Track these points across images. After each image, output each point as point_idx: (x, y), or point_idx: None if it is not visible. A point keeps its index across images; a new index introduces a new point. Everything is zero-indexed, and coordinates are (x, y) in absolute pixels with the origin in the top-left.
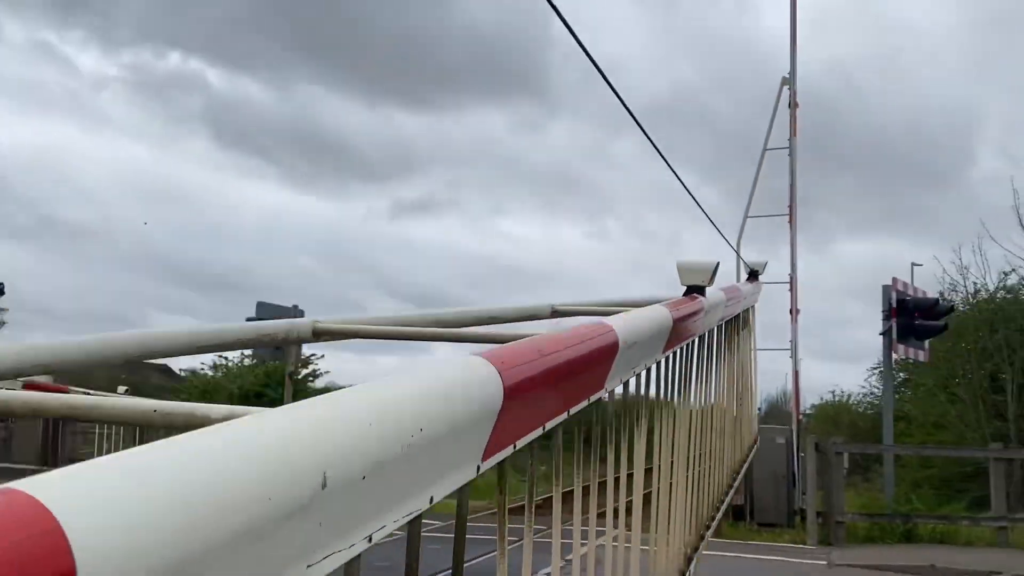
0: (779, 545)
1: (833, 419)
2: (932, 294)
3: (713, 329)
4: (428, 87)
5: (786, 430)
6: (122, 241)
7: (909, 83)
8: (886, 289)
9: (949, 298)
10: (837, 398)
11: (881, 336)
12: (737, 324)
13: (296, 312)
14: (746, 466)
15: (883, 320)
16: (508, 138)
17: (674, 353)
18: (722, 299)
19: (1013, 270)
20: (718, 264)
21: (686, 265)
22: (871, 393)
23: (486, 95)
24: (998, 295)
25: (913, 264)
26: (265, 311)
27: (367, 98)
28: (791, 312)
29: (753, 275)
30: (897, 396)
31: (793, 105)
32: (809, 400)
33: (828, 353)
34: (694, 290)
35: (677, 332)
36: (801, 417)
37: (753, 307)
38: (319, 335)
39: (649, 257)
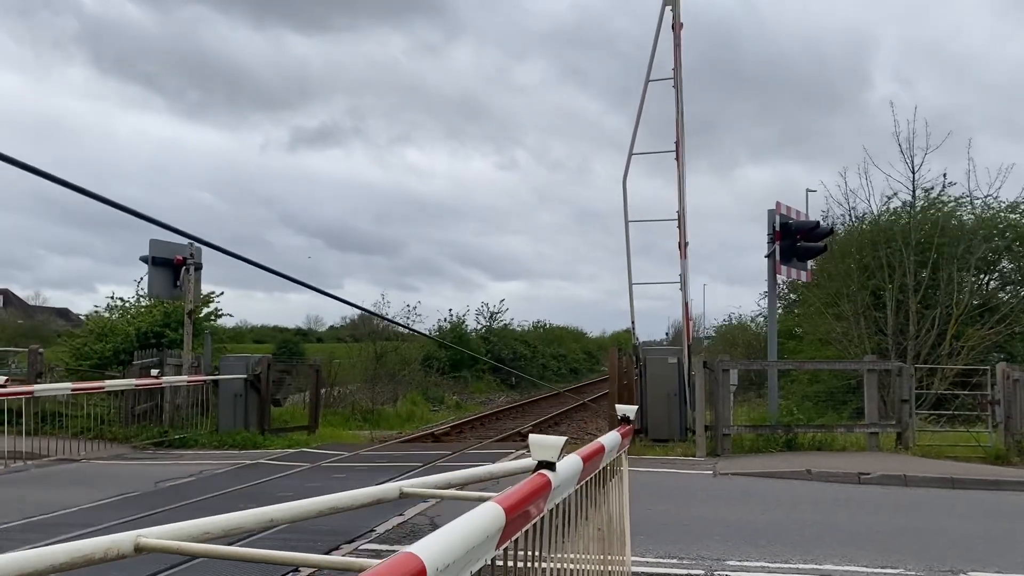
0: (671, 458)
1: (731, 340)
2: (825, 218)
3: (569, 496)
4: (319, 6)
5: (678, 350)
6: None
7: (804, 2)
8: (771, 213)
9: (831, 221)
10: (735, 320)
11: (766, 258)
12: (604, 477)
13: (192, 249)
14: None
15: (768, 243)
16: (408, 63)
17: (515, 541)
18: (577, 468)
19: (895, 194)
20: (567, 440)
21: (537, 441)
22: (762, 314)
23: (382, 16)
24: (881, 218)
25: (808, 190)
26: (159, 248)
27: (254, 18)
28: (680, 246)
29: (625, 420)
30: (789, 315)
31: (677, 26)
32: (712, 322)
33: (731, 276)
34: (544, 465)
35: (514, 522)
36: (690, 341)
37: (623, 454)
38: (140, 550)
39: (558, 188)
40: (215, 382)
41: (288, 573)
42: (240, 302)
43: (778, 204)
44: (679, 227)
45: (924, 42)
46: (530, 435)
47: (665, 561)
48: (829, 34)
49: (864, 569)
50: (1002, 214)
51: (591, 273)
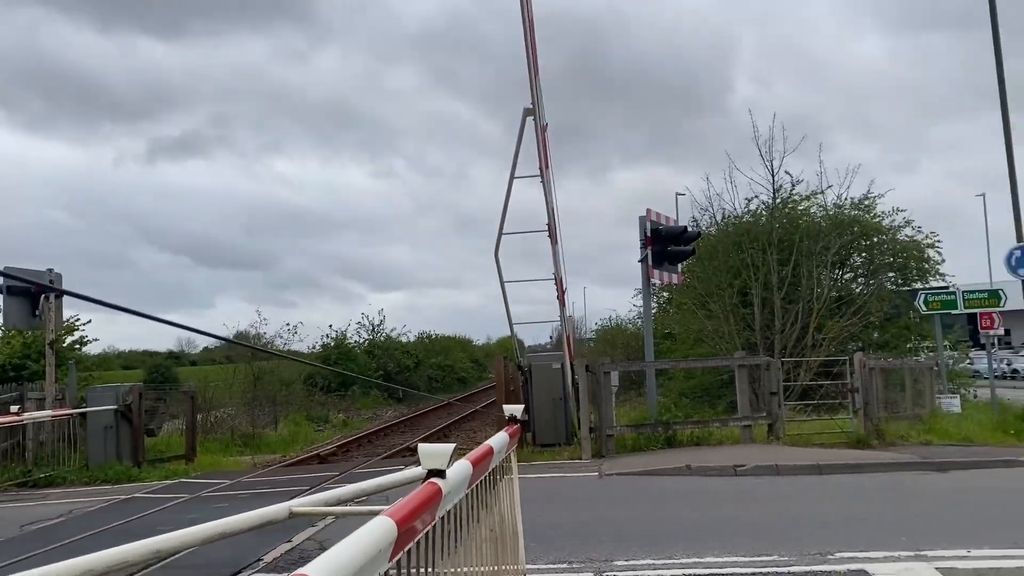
0: (558, 462)
1: (611, 341)
2: (695, 221)
3: (461, 501)
4: (171, 10)
5: (561, 356)
6: None
7: (662, 5)
8: (642, 220)
9: (701, 224)
10: (613, 322)
11: (640, 263)
12: (495, 478)
13: (53, 276)
14: None
15: (641, 248)
16: (274, 69)
17: (408, 552)
18: (467, 473)
19: (756, 196)
20: (456, 447)
21: (426, 450)
22: (638, 314)
23: (242, 20)
24: (744, 219)
25: (677, 194)
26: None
27: (99, 21)
28: (559, 298)
29: (512, 420)
30: (664, 315)
31: (541, 129)
32: (594, 324)
33: (608, 278)
34: (434, 474)
35: (407, 533)
36: (573, 359)
37: (512, 454)
38: None
39: (437, 195)
40: (82, 415)
41: None
42: (106, 327)
43: (648, 211)
44: (557, 287)
45: (779, 45)
46: (419, 445)
47: (556, 566)
48: (692, 39)
49: (743, 559)
50: (850, 211)
51: (474, 280)
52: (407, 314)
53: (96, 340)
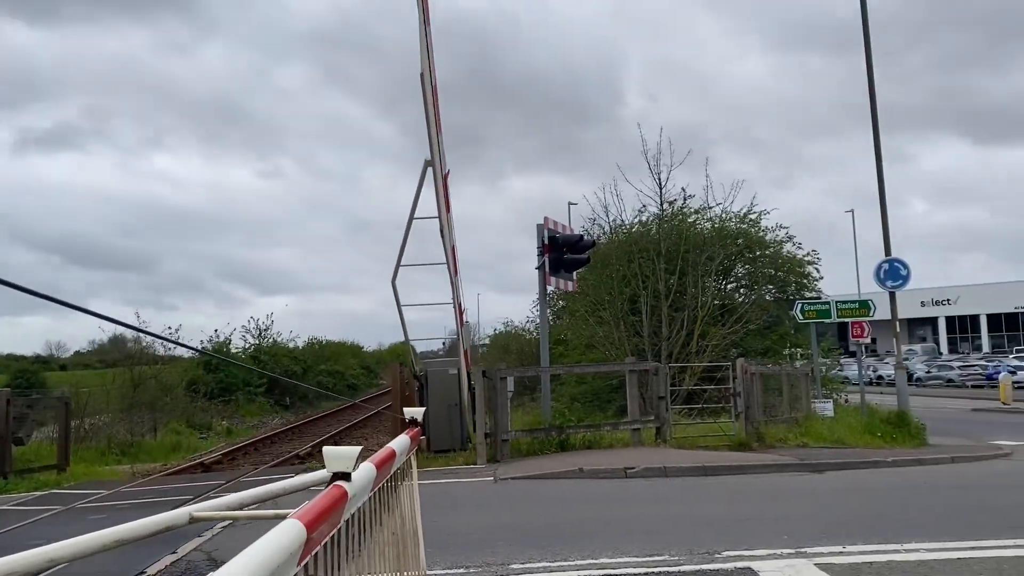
0: (454, 467)
1: (505, 346)
2: (588, 229)
3: (364, 504)
4: None
5: (457, 362)
6: None
7: (556, 17)
8: (539, 227)
9: (592, 233)
10: (508, 328)
11: (536, 270)
12: (396, 480)
13: None
14: None
15: (538, 256)
16: (156, 61)
17: (315, 556)
18: (371, 475)
19: (644, 207)
20: (362, 449)
21: (331, 453)
22: (533, 321)
23: (121, 8)
24: (634, 229)
25: (570, 203)
26: None
27: None
28: (456, 319)
29: (412, 422)
30: (558, 322)
31: (442, 177)
32: (487, 330)
33: (503, 285)
34: (339, 477)
35: (315, 536)
36: (469, 369)
37: (412, 456)
38: None
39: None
40: None
41: None
42: None
43: (546, 219)
44: (456, 311)
45: (668, 60)
46: (324, 447)
47: (454, 571)
48: (583, 52)
49: (635, 559)
50: (733, 224)
51: (366, 285)
52: (296, 319)
53: None
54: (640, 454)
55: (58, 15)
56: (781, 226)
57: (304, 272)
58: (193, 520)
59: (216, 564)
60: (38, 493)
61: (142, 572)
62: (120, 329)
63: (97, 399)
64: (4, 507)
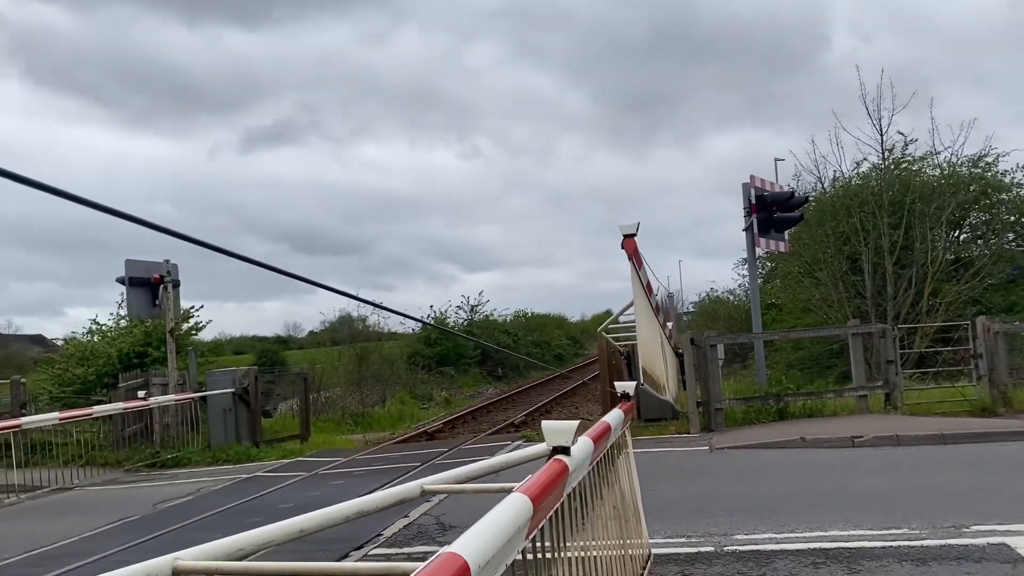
0: (666, 437)
1: (712, 314)
2: (795, 186)
3: (585, 477)
4: None
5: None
6: None
7: None
8: (745, 187)
9: (803, 189)
10: (714, 294)
11: (744, 232)
12: (613, 455)
13: (169, 267)
14: None
15: (744, 216)
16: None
17: (541, 529)
18: (589, 450)
19: (865, 158)
20: (580, 423)
21: (550, 427)
22: (742, 285)
23: (323, 4)
24: (852, 182)
25: (776, 159)
26: (135, 268)
27: (184, 15)
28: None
29: (625, 397)
30: (768, 285)
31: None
32: (692, 297)
33: (704, 250)
34: (559, 451)
35: (540, 509)
36: (674, 341)
37: (627, 430)
38: (178, 574)
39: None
40: (203, 398)
41: None
42: (213, 314)
43: (752, 177)
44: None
45: None
46: (543, 422)
47: (674, 540)
48: None
49: (869, 532)
50: (965, 169)
51: (565, 257)
52: (501, 293)
53: (211, 322)
54: (868, 422)
55: (270, 17)
56: (1022, 167)
57: (505, 247)
58: (424, 493)
59: (444, 528)
60: (285, 461)
61: (378, 534)
62: (347, 309)
63: (329, 375)
64: (258, 473)
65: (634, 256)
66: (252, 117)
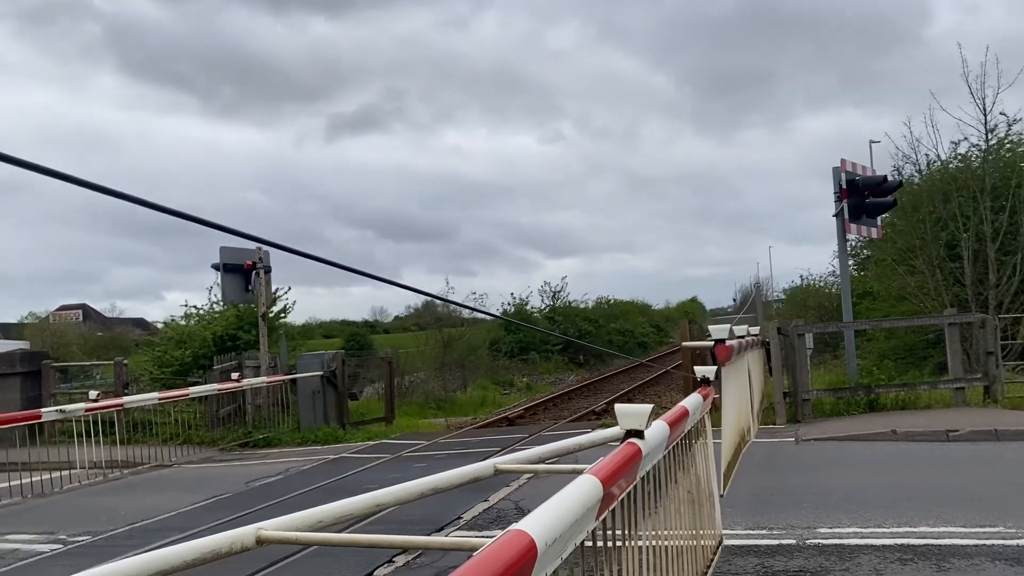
0: None
1: (802, 302)
2: (891, 170)
3: (659, 462)
4: None
5: (748, 319)
6: (51, 195)
7: None
8: (835, 171)
9: (899, 173)
10: (805, 281)
11: (834, 217)
12: (690, 440)
13: (261, 253)
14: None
15: (835, 202)
16: (438, 38)
17: (612, 511)
18: (664, 434)
19: (964, 138)
20: (654, 407)
21: (623, 410)
22: (834, 273)
23: None
24: (951, 165)
25: (871, 142)
26: (229, 255)
27: (271, 3)
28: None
29: (704, 381)
30: (862, 273)
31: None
32: (782, 284)
33: (795, 235)
34: (633, 434)
35: (611, 492)
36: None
37: (706, 416)
38: (262, 543)
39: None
40: (293, 381)
41: (393, 556)
42: (303, 299)
43: (843, 161)
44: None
45: None
46: (616, 405)
47: (755, 532)
48: None
49: (961, 529)
50: None
51: (648, 243)
52: (583, 280)
53: (295, 303)
54: (964, 415)
55: (353, 4)
56: None
57: (587, 232)
58: (497, 472)
59: (522, 512)
60: (371, 443)
61: (459, 517)
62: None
63: (414, 359)
64: (345, 454)
65: (724, 364)
66: (336, 105)
